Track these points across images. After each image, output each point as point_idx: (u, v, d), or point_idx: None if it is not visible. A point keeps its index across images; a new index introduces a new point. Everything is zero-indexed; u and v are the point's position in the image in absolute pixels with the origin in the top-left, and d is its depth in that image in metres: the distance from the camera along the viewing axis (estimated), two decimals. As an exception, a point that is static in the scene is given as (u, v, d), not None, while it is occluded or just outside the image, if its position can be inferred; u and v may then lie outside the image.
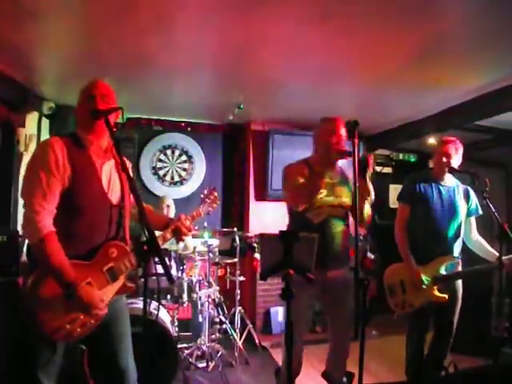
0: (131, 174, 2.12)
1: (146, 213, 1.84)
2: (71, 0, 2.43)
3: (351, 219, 2.77)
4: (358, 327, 2.14)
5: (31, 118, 4.07)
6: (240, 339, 4.32)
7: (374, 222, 5.75)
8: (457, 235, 3.08)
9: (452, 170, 3.04)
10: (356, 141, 2.20)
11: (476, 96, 3.84)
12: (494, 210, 2.79)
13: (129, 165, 2.20)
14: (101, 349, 2.09)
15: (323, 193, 2.65)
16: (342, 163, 2.76)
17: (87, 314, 1.87)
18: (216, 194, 2.48)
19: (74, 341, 1.97)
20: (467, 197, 3.14)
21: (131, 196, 2.16)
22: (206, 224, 4.21)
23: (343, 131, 2.62)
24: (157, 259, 1.78)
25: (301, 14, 2.53)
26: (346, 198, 2.71)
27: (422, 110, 4.49)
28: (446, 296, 2.97)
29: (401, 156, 6.03)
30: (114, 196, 2.04)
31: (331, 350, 2.82)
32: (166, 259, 3.71)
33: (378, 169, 6.20)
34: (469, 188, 3.17)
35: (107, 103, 1.98)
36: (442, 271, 3.00)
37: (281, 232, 1.80)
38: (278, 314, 4.83)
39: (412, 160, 6.01)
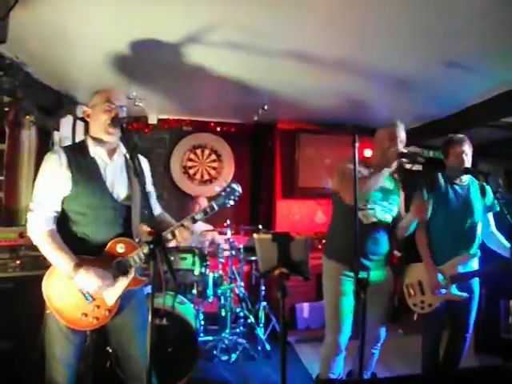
0: (146, 177, 2.32)
1: (154, 214, 2.01)
2: (92, 16, 2.61)
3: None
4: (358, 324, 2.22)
5: (66, 122, 4.32)
6: (264, 334, 4.43)
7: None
8: (474, 233, 3.06)
9: (466, 171, 3.03)
10: (356, 144, 2.28)
11: (503, 92, 3.75)
12: (505, 211, 2.78)
13: (145, 164, 2.39)
14: (113, 338, 2.27)
15: (378, 196, 2.79)
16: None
17: (98, 288, 2.03)
18: (234, 186, 2.29)
19: (91, 330, 2.16)
20: (484, 193, 3.12)
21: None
22: (228, 222, 4.34)
23: (402, 136, 2.78)
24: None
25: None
26: (395, 206, 2.89)
27: (449, 107, 4.42)
28: (465, 294, 2.97)
29: (431, 153, 5.93)
30: (120, 195, 2.19)
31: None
32: (190, 255, 3.88)
33: (408, 166, 6.12)
34: (485, 184, 3.14)
35: (123, 114, 2.17)
36: (460, 269, 3.00)
37: (273, 234, 1.90)
38: (303, 310, 4.91)
39: (442, 157, 5.88)
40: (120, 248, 2.13)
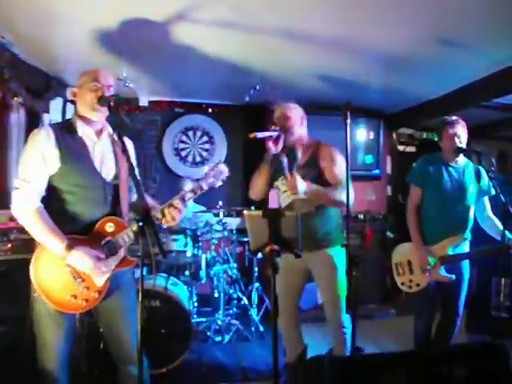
0: (131, 157, 2.26)
1: (143, 193, 1.98)
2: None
3: None
4: (350, 304, 2.22)
5: (55, 104, 4.24)
6: (257, 315, 4.44)
7: (396, 201, 5.74)
8: (467, 216, 3.07)
9: (459, 150, 3.02)
10: (348, 121, 2.26)
11: (497, 70, 3.71)
12: (498, 190, 2.79)
13: (130, 145, 2.35)
14: (103, 321, 2.24)
15: (283, 177, 2.74)
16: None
17: (89, 270, 2.00)
18: (221, 167, 2.33)
19: (81, 313, 2.13)
20: (479, 176, 3.11)
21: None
22: (220, 203, 4.32)
23: (281, 117, 2.74)
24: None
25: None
26: (309, 180, 2.65)
27: (443, 87, 4.38)
28: (453, 276, 2.99)
29: (425, 135, 5.93)
30: (108, 174, 2.17)
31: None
32: (182, 237, 3.88)
33: (401, 148, 6.14)
34: (480, 168, 3.13)
35: (110, 93, 2.13)
36: (450, 251, 3.01)
37: (263, 210, 1.88)
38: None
39: (436, 139, 5.86)
40: (109, 227, 2.10)
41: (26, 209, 1.97)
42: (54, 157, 2.01)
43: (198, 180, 2.28)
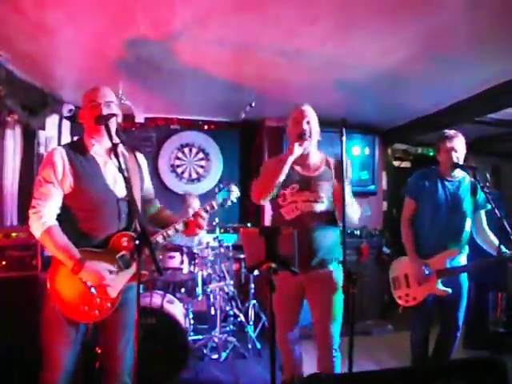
0: (144, 172, 2.43)
1: (137, 209, 2.08)
2: (75, 12, 2.57)
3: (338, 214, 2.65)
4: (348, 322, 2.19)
5: (51, 121, 4.24)
6: (254, 332, 4.41)
7: (391, 217, 5.75)
8: (462, 229, 3.07)
9: (456, 166, 3.03)
10: (343, 138, 2.27)
11: (490, 87, 3.75)
12: (493, 204, 2.80)
13: (143, 161, 2.46)
14: (104, 332, 2.24)
15: (296, 188, 2.62)
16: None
17: (98, 284, 2.06)
18: (233, 187, 2.49)
19: (91, 323, 2.15)
20: (475, 191, 3.11)
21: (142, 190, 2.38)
22: (217, 220, 4.32)
23: (307, 119, 2.66)
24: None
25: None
26: (324, 194, 2.61)
27: (437, 102, 4.42)
28: (450, 290, 2.98)
29: (419, 150, 5.98)
30: (121, 191, 2.19)
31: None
32: (178, 254, 3.86)
33: (396, 163, 6.17)
34: (477, 181, 3.14)
35: (111, 109, 2.17)
36: (447, 265, 3.01)
37: (260, 228, 1.88)
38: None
39: (431, 154, 5.91)
40: (124, 242, 2.15)
41: (41, 228, 2.04)
42: (68, 177, 2.09)
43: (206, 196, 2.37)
